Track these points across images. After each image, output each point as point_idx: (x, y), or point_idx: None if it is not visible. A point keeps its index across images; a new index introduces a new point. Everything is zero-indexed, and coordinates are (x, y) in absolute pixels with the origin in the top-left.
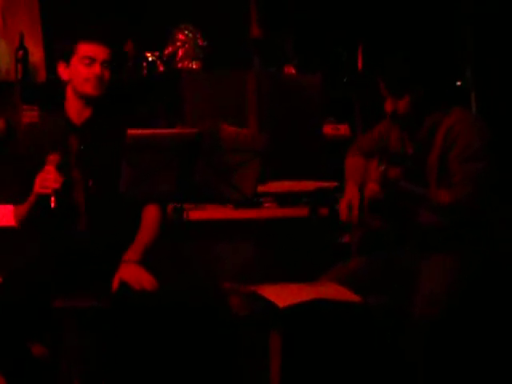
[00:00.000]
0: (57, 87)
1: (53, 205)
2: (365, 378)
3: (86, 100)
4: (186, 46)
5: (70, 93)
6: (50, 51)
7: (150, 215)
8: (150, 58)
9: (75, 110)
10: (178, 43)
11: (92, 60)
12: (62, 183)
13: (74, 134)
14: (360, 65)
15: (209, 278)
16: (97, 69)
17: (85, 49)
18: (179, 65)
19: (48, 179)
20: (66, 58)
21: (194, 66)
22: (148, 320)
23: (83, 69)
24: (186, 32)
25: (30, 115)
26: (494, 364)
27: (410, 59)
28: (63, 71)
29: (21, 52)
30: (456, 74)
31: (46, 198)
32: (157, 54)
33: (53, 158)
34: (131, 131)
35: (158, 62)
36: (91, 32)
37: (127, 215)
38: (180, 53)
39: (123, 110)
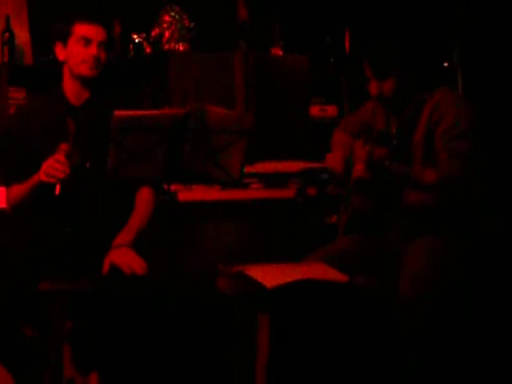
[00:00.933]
0: (43, 69)
1: (57, 192)
2: (352, 358)
3: (82, 81)
4: (173, 27)
5: (66, 74)
6: (36, 34)
7: (143, 198)
8: (137, 40)
9: (73, 92)
10: (165, 25)
11: (88, 41)
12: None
13: (71, 115)
14: (347, 46)
15: (196, 259)
16: (93, 49)
17: (81, 29)
18: (166, 46)
19: (57, 168)
20: (63, 38)
21: (180, 48)
22: (138, 302)
23: (80, 49)
24: (173, 13)
25: (16, 97)
26: (482, 347)
27: (395, 41)
28: (60, 52)
29: (7, 34)
30: (442, 56)
31: (50, 184)
32: (143, 35)
33: (64, 147)
34: (118, 112)
35: (145, 44)
36: (88, 12)
37: (121, 197)
38: (167, 34)
39: (118, 92)
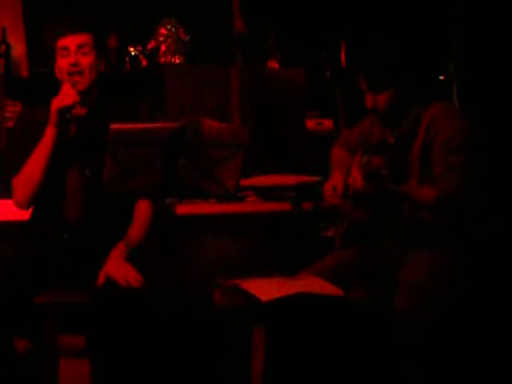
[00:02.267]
0: (39, 82)
1: (74, 112)
2: (348, 371)
3: (79, 93)
4: (169, 40)
5: None
6: (32, 46)
7: (142, 211)
8: (133, 53)
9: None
10: (161, 38)
11: (66, 49)
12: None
13: (74, 122)
14: (343, 59)
15: (192, 272)
16: (71, 57)
17: (60, 43)
18: (162, 59)
19: (70, 93)
20: (54, 57)
21: (176, 61)
22: (133, 314)
23: (62, 61)
24: (169, 26)
25: (12, 110)
26: (481, 358)
27: (392, 55)
28: (56, 70)
29: (3, 47)
30: (438, 69)
31: (67, 111)
32: (139, 48)
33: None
34: (114, 126)
35: (141, 57)
36: (64, 26)
37: (120, 208)
38: (163, 47)
39: (116, 104)
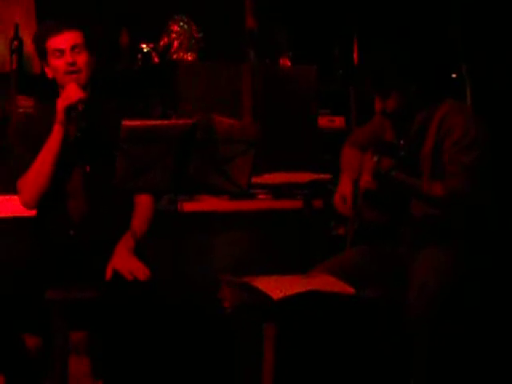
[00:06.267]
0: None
1: (80, 108)
2: (359, 370)
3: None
4: (181, 37)
5: (60, 87)
6: None
7: (143, 204)
8: (145, 50)
9: None
10: (173, 35)
11: (61, 51)
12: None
13: (72, 120)
14: (355, 57)
15: (202, 270)
16: (67, 57)
17: (52, 43)
18: (174, 56)
19: (75, 90)
20: (43, 57)
21: (189, 58)
22: (140, 311)
23: (57, 62)
24: (181, 23)
25: (25, 106)
26: (491, 354)
27: (391, 59)
28: (47, 70)
29: (16, 42)
30: (450, 68)
31: (72, 108)
32: (152, 45)
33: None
34: (126, 122)
35: (153, 54)
36: (54, 25)
37: (122, 202)
38: (175, 44)
39: (125, 101)
